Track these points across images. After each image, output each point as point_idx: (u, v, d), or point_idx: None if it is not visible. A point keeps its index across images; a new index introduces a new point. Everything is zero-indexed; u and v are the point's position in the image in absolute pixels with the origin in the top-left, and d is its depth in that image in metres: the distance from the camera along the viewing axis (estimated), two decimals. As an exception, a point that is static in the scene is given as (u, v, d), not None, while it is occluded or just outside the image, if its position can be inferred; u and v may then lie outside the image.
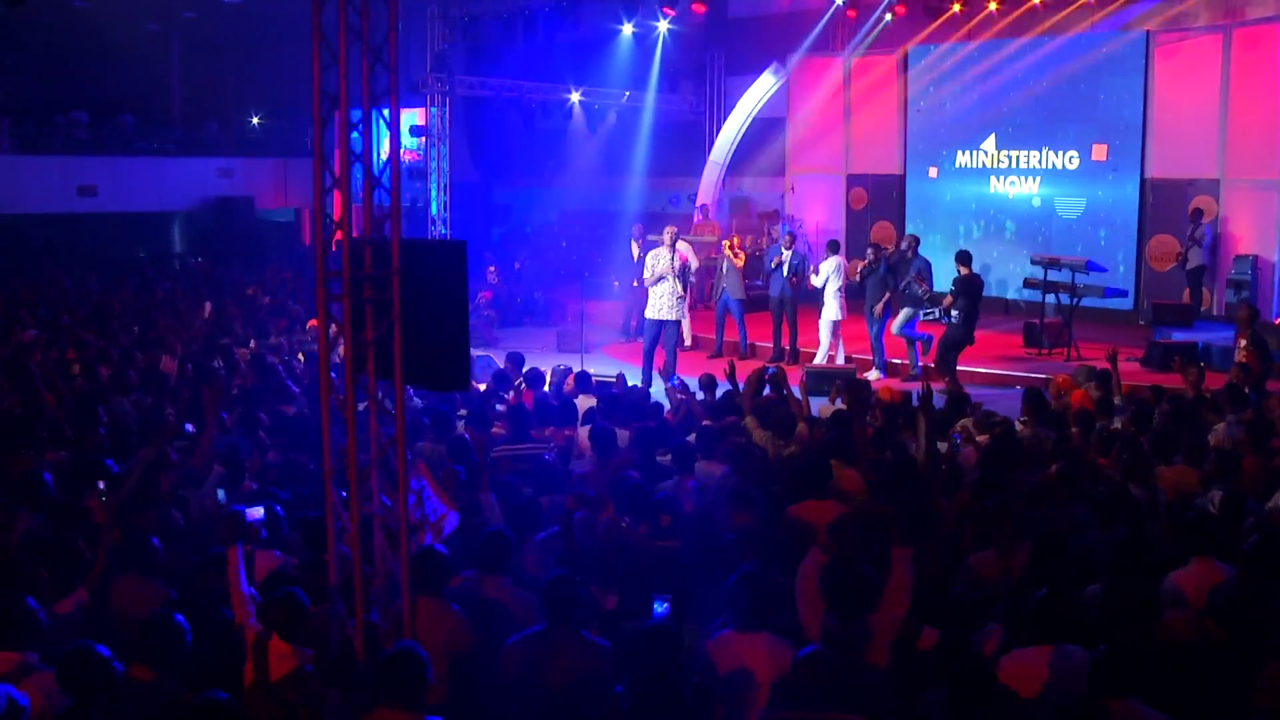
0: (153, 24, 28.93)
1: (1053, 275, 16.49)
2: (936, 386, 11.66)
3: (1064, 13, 19.11)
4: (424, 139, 21.80)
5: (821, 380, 12.05)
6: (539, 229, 26.92)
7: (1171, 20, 18.39)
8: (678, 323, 14.51)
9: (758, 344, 16.85)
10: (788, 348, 16.24)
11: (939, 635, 5.40)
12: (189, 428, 8.57)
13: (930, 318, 14.01)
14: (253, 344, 13.73)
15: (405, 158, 26.45)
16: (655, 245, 14.85)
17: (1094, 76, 18.99)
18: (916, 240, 14.96)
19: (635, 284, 16.61)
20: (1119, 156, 18.93)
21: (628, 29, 20.63)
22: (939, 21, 20.37)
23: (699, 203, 23.14)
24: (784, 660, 5.08)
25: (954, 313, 13.48)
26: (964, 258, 13.89)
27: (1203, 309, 17.39)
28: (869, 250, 15.19)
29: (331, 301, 5.27)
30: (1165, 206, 18.51)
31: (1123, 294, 17.42)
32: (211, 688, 4.72)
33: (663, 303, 14.17)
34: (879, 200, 22.03)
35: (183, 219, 28.51)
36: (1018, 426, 9.46)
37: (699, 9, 17.73)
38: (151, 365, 11.49)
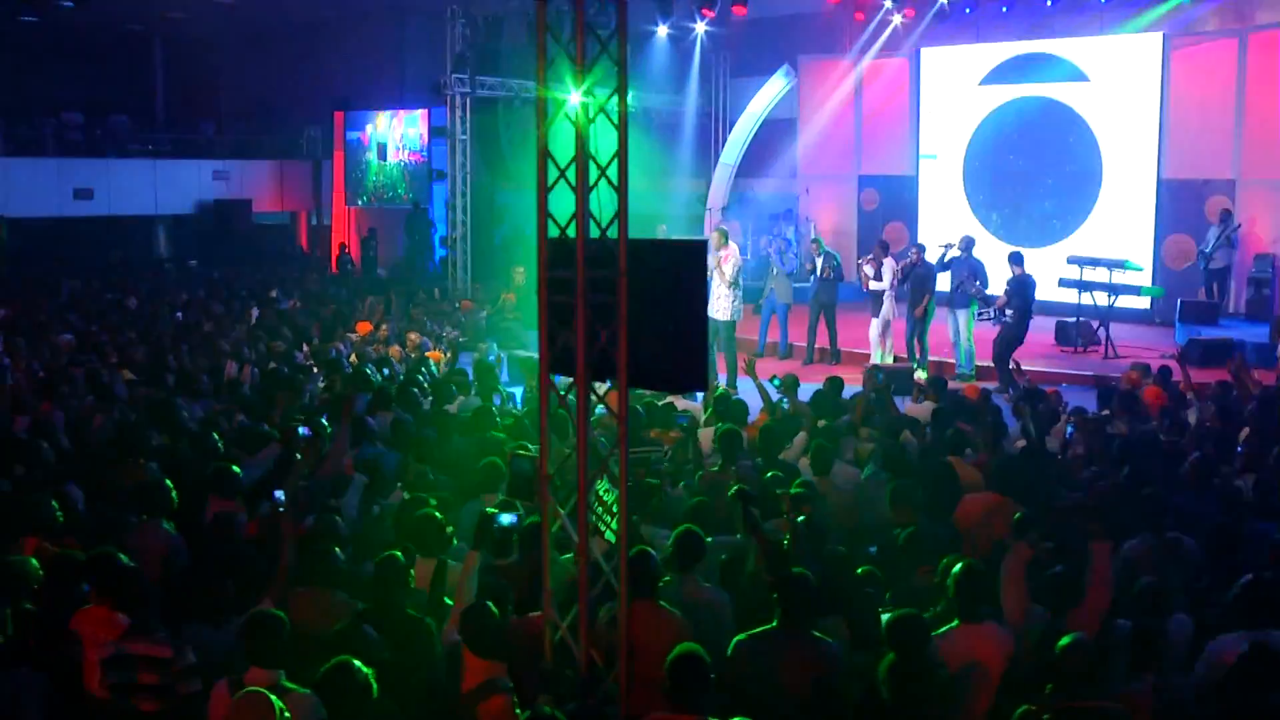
0: (136, 24, 28.66)
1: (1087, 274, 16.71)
2: (988, 386, 11.86)
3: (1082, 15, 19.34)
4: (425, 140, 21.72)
5: (892, 378, 12.08)
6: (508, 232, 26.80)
7: (1186, 25, 18.68)
8: (731, 323, 14.45)
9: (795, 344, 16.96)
10: (826, 348, 16.34)
11: (1133, 626, 5.45)
12: (305, 431, 8.43)
13: (985, 318, 14.15)
14: (306, 347, 13.59)
15: (409, 158, 26.37)
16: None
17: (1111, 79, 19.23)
18: (971, 241, 15.06)
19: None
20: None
21: (663, 30, 20.58)
22: (948, 24, 20.50)
23: (709, 204, 23.15)
24: (1009, 649, 5.20)
25: (1008, 312, 13.62)
26: (1017, 258, 14.04)
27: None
28: (911, 250, 15.30)
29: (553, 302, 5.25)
30: (1181, 207, 18.79)
31: (1158, 292, 17.66)
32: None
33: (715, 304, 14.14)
34: (891, 201, 22.21)
35: (179, 222, 28.14)
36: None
37: (740, 11, 17.75)
38: (216, 370, 11.35)
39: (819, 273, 16.09)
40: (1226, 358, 13.28)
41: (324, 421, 9.08)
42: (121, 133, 26.90)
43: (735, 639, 5.37)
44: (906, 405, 10.81)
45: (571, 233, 5.12)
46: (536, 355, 5.42)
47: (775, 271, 17.00)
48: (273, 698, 4.34)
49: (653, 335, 5.21)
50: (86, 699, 5.28)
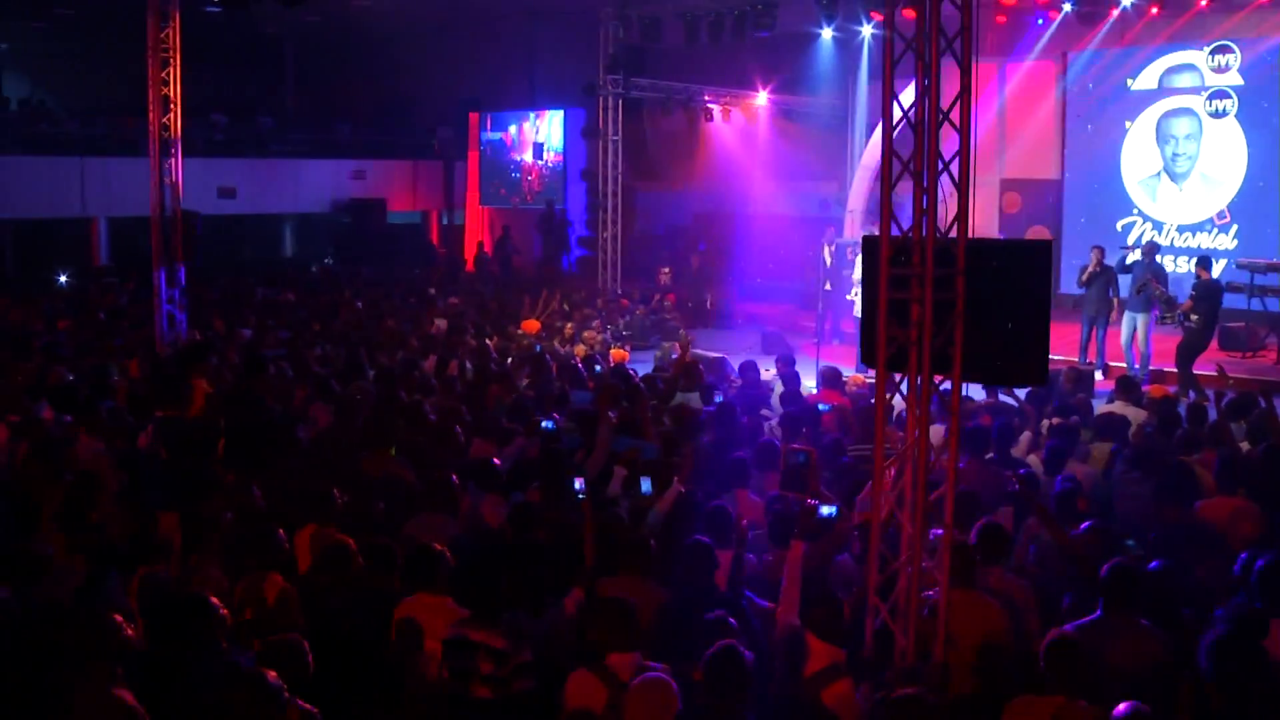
0: (269, 27, 29.38)
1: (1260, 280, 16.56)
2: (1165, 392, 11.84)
3: (1234, 18, 19.08)
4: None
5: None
6: (673, 231, 27.07)
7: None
8: None
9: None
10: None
11: None
12: (550, 425, 8.69)
13: (1168, 321, 14.11)
14: (492, 340, 13.94)
15: (549, 159, 26.77)
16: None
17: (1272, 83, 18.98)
18: (1155, 247, 15.02)
19: (827, 286, 16.80)
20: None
21: (827, 33, 20.72)
22: (1100, 27, 20.33)
23: (849, 206, 23.20)
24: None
25: (1193, 317, 13.57)
26: (1205, 262, 14.00)
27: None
28: (1092, 254, 15.28)
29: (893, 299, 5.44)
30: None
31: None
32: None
33: None
34: (1033, 205, 22.11)
35: (318, 221, 28.82)
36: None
37: (909, 14, 17.74)
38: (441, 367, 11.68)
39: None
40: None
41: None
42: (264, 133, 27.58)
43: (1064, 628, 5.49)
44: (1100, 407, 10.87)
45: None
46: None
47: None
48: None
49: (992, 331, 5.39)
50: (421, 681, 5.50)
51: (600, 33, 20.63)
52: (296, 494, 7.22)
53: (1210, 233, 19.66)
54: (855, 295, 15.94)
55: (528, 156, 27.70)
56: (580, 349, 14.23)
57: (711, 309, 20.83)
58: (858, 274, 15.82)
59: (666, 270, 21.53)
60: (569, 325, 15.25)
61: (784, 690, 5.36)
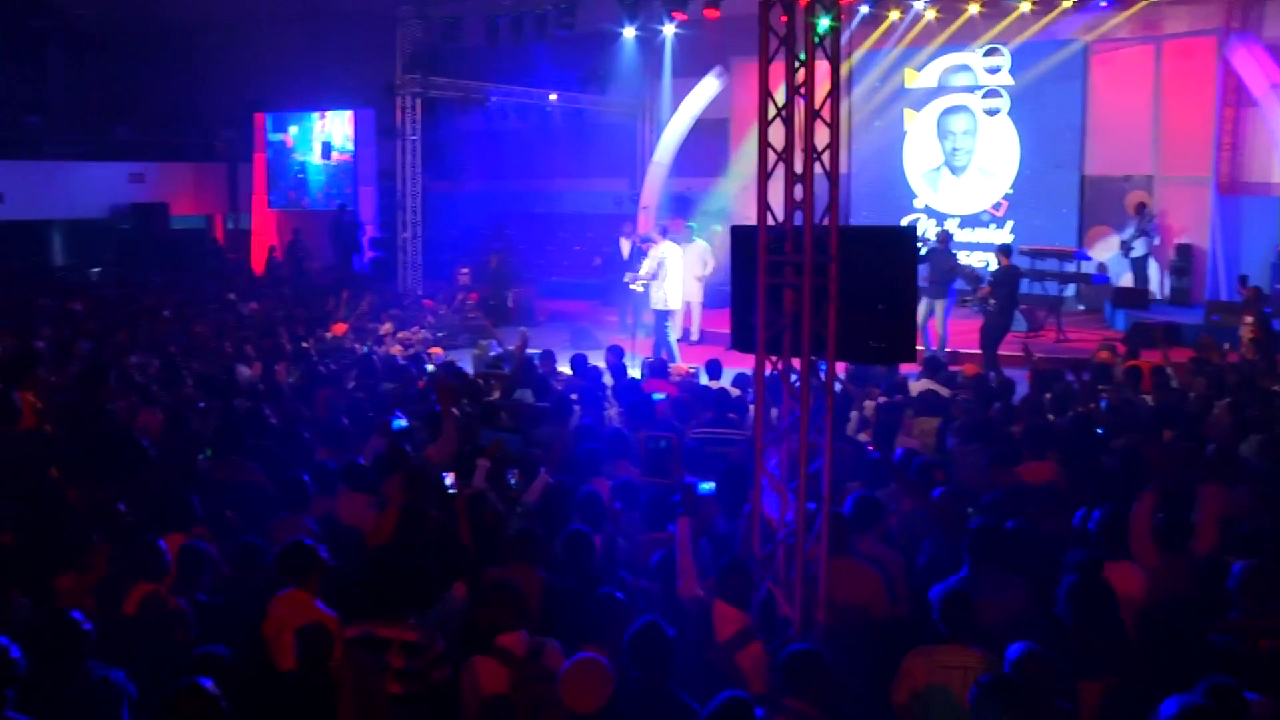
0: (33, 20, 27.91)
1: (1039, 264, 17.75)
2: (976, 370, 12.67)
3: (1003, 23, 20.39)
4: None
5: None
6: (467, 231, 26.99)
7: (1101, 33, 19.91)
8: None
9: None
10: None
11: (1260, 566, 6.13)
12: (402, 423, 8.69)
13: (969, 304, 14.96)
14: (307, 344, 13.70)
15: (335, 160, 26.31)
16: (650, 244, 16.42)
17: (1038, 84, 20.36)
18: (948, 235, 15.90)
19: (628, 280, 17.24)
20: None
21: (630, 32, 21.00)
22: (880, 28, 21.33)
23: (642, 203, 23.64)
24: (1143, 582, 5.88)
25: (992, 301, 14.44)
26: (1005, 249, 14.93)
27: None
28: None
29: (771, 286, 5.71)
30: (1104, 201, 20.05)
31: (1104, 279, 18.89)
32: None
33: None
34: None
35: (95, 227, 27.46)
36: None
37: (712, 14, 18.25)
38: (268, 373, 11.44)
39: None
40: (1172, 339, 14.36)
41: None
42: (33, 134, 26.15)
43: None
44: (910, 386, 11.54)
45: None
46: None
47: None
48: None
49: (863, 313, 5.73)
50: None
51: (398, 32, 20.38)
52: (155, 504, 7.02)
53: (988, 226, 20.94)
54: (639, 287, 16.81)
55: (315, 158, 27.13)
56: (397, 349, 14.12)
57: (514, 307, 20.91)
58: (644, 269, 16.63)
59: (466, 270, 21.43)
60: (386, 325, 15.10)
61: (698, 658, 5.57)
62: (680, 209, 22.28)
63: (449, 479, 6.77)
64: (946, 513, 6.51)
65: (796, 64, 5.72)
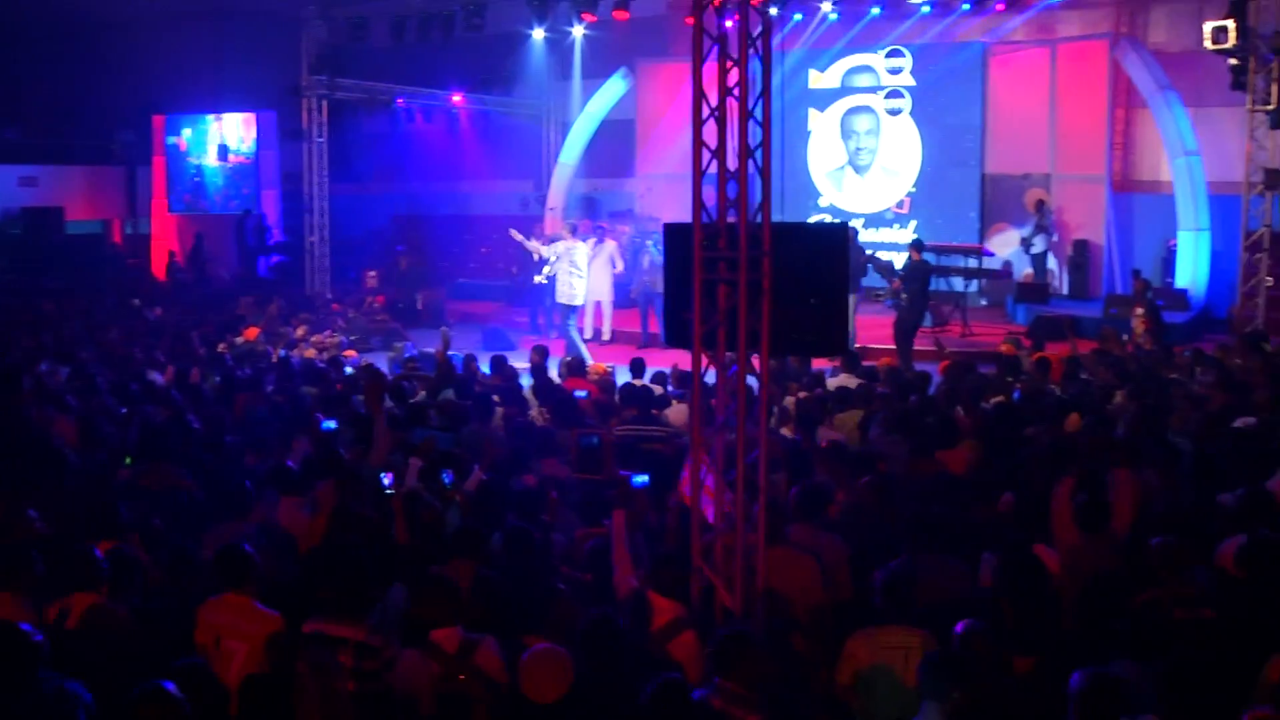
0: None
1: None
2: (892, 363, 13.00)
3: (904, 26, 20.85)
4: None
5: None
6: (371, 234, 26.81)
7: (998, 36, 20.47)
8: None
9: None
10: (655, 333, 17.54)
11: (1175, 543, 6.40)
12: (330, 424, 8.65)
13: (879, 299, 15.25)
14: (221, 346, 13.54)
15: (236, 163, 25.93)
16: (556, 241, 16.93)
17: (939, 84, 20.84)
18: (855, 231, 16.18)
19: (538, 280, 17.46)
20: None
21: (539, 34, 21.01)
22: (783, 29, 21.63)
23: (549, 204, 23.71)
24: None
25: (903, 296, 14.75)
26: (917, 244, 15.25)
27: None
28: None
29: (706, 281, 5.83)
30: (1003, 198, 20.60)
31: (1008, 275, 19.42)
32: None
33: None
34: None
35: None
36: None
37: (621, 15, 18.33)
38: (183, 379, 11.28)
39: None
40: (1069, 331, 14.81)
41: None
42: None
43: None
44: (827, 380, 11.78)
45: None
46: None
47: (648, 263, 17.84)
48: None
49: (797, 308, 5.86)
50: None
51: (303, 33, 20.15)
52: (80, 512, 6.91)
53: (892, 225, 21.37)
54: (543, 278, 17.40)
55: (210, 160, 26.66)
56: (311, 352, 14.01)
57: (423, 310, 20.82)
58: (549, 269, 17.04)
59: (373, 273, 21.37)
60: (300, 330, 14.96)
61: (634, 648, 5.65)
62: (587, 210, 22.40)
63: (387, 479, 6.76)
64: (878, 500, 6.69)
65: (730, 64, 5.83)
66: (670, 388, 11.02)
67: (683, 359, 13.73)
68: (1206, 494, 7.34)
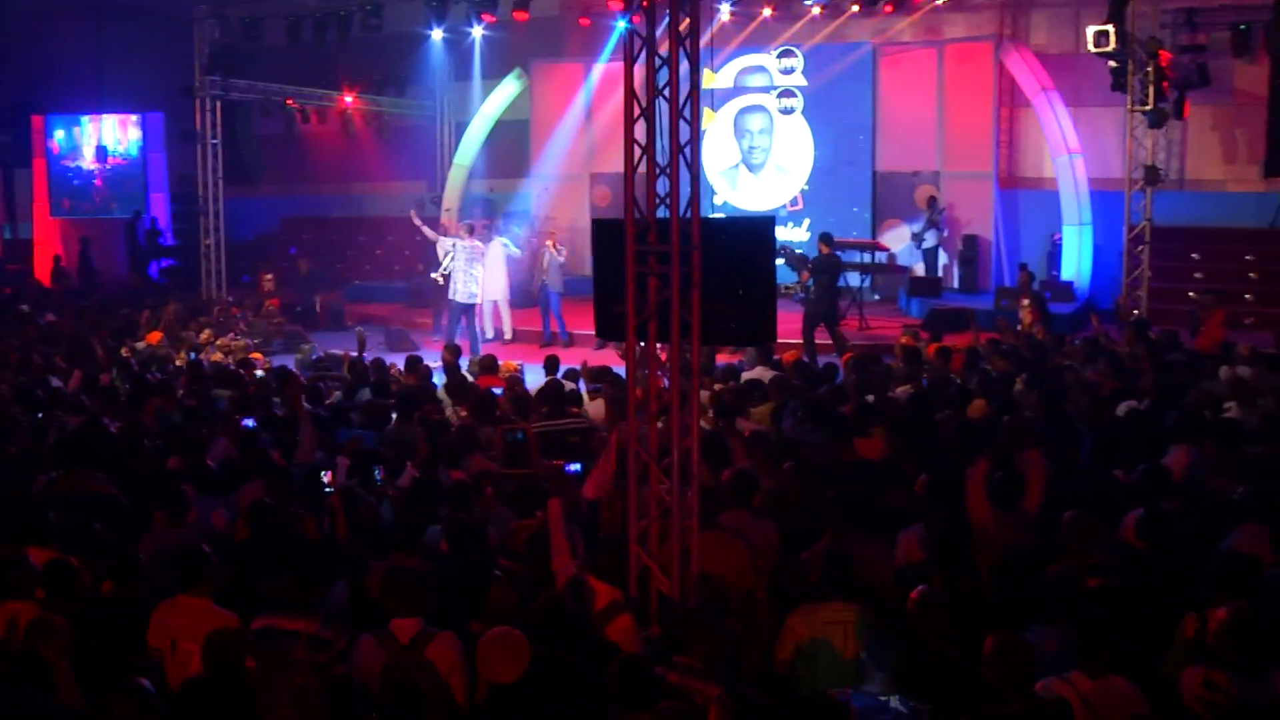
0: None
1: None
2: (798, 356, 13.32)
3: (795, 26, 21.29)
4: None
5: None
6: (263, 237, 26.48)
7: (887, 37, 21.03)
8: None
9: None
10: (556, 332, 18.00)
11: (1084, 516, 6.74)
12: (251, 423, 8.67)
13: (789, 295, 15.55)
14: (125, 351, 13.35)
15: (118, 165, 25.38)
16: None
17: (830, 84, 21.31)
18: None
19: (434, 277, 17.64)
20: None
21: (438, 34, 20.94)
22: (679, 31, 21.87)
23: (445, 205, 23.66)
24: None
25: (810, 288, 15.07)
26: (826, 238, 15.59)
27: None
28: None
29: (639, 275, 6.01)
30: (894, 195, 21.17)
31: (904, 270, 19.99)
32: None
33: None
34: (621, 197, 23.33)
35: None
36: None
37: (521, 16, 18.38)
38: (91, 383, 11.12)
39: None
40: (965, 323, 15.31)
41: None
42: None
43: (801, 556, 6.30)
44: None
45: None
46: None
47: (546, 263, 18.03)
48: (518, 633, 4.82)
49: (725, 299, 6.08)
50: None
51: (195, 32, 19.84)
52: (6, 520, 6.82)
53: (786, 223, 21.77)
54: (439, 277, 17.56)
55: (88, 163, 25.97)
56: (217, 356, 13.89)
57: (322, 312, 20.67)
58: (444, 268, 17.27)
59: (269, 276, 21.16)
60: (205, 333, 14.79)
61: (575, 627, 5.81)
62: (483, 210, 22.44)
63: (326, 477, 6.82)
64: (801, 486, 6.95)
65: (659, 64, 6.02)
66: (583, 384, 11.17)
67: (592, 356, 14.07)
68: (1105, 472, 7.76)
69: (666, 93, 6.15)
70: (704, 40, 6.37)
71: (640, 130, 6.09)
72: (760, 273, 6.12)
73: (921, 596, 5.09)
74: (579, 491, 6.98)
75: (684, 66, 6.16)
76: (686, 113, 6.12)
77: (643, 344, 6.17)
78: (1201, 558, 5.95)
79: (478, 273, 16.85)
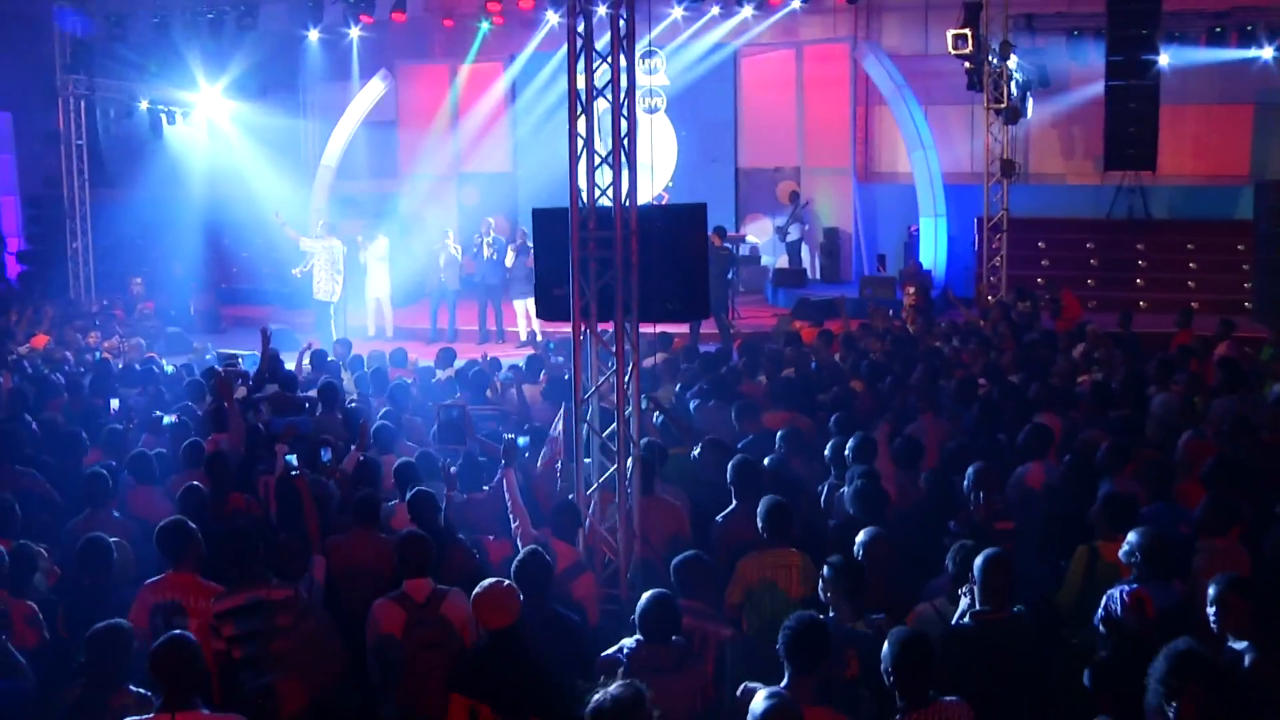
0: None
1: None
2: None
3: (657, 29, 21.89)
4: None
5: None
6: (121, 241, 25.91)
7: (748, 39, 21.85)
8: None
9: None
10: (494, 329, 18.00)
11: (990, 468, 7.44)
12: (171, 420, 8.92)
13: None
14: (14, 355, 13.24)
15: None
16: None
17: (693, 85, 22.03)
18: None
19: (295, 272, 17.92)
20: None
21: (314, 35, 20.89)
22: (543, 32, 22.31)
23: (314, 205, 23.60)
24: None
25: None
26: (719, 231, 16.24)
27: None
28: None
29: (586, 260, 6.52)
30: (757, 190, 22.04)
31: (757, 260, 20.88)
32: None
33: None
34: (489, 196, 23.59)
35: None
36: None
37: (399, 17, 18.52)
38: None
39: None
40: (836, 311, 16.18)
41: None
42: None
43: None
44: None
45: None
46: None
47: (443, 262, 18.33)
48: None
49: (661, 280, 6.64)
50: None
51: (55, 29, 19.43)
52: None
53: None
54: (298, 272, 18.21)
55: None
56: (105, 357, 13.85)
57: (196, 315, 20.53)
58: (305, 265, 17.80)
59: (138, 279, 20.88)
60: (92, 336, 14.69)
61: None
62: (350, 210, 22.52)
63: (293, 459, 7.11)
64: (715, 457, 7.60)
65: (598, 62, 6.54)
66: (501, 373, 11.62)
67: (491, 349, 14.55)
68: (988, 435, 8.56)
69: (607, 92, 6.66)
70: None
71: (582, 125, 6.60)
72: (693, 255, 6.69)
73: (869, 539, 5.77)
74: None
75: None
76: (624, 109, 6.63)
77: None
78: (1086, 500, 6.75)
79: (337, 273, 17.48)
